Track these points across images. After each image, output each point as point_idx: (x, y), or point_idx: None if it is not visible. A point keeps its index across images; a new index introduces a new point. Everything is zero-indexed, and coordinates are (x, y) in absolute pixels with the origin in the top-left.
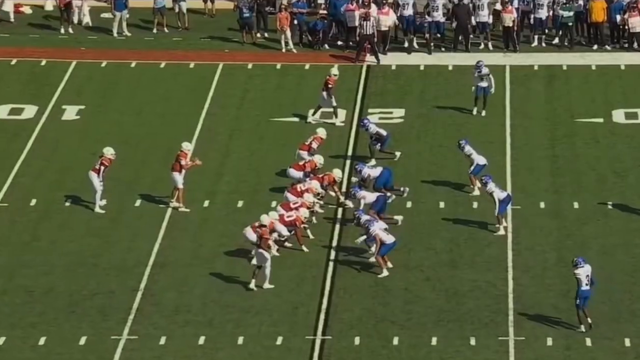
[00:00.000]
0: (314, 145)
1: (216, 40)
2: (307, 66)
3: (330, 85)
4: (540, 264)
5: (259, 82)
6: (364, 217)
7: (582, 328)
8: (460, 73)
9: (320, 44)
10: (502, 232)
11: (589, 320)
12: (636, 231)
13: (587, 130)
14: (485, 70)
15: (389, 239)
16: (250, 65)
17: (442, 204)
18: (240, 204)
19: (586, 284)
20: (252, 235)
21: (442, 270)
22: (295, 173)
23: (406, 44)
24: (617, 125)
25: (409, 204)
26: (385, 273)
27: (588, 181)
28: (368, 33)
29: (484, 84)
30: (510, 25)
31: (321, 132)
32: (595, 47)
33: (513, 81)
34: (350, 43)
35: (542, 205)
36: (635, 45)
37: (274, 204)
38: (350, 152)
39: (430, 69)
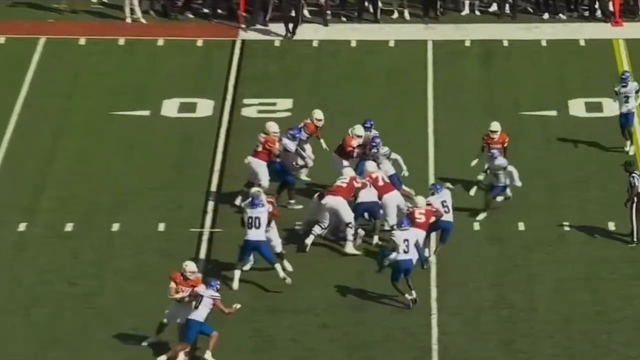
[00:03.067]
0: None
1: (36, 7)
2: (160, 41)
3: None
4: (472, 306)
5: (95, 63)
6: None
7: (409, 297)
8: (367, 51)
9: (177, 11)
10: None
11: (414, 293)
12: (599, 261)
13: (535, 125)
14: (633, 86)
15: (198, 316)
16: (82, 40)
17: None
18: (69, 227)
19: (405, 251)
20: None
21: (344, 315)
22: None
23: (294, 12)
24: (573, 120)
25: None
26: None
27: (538, 197)
28: None
29: (629, 106)
30: None
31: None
32: (545, 16)
33: (437, 61)
34: (219, 11)
35: (476, 227)
36: (599, 13)
37: (115, 226)
38: (220, 155)
39: (327, 45)
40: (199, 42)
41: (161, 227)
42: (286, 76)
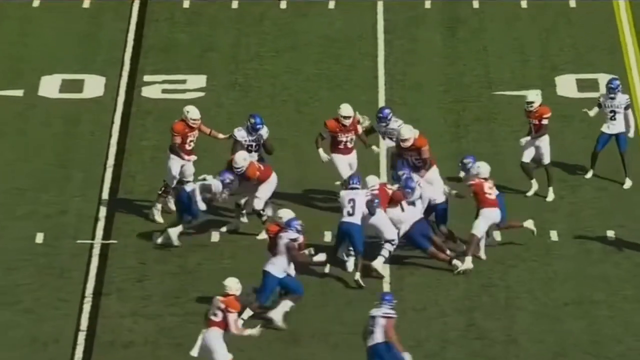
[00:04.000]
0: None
1: None
2: (35, 2)
3: None
4: (435, 336)
5: None
6: None
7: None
8: (300, 15)
9: None
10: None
11: (358, 276)
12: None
13: (513, 108)
14: (623, 99)
15: None
16: None
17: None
18: None
19: (349, 213)
20: None
21: (275, 351)
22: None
23: None
24: (562, 101)
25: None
26: None
27: (518, 199)
28: None
29: (615, 127)
30: None
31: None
32: None
33: (390, 30)
34: None
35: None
36: None
37: None
38: (114, 147)
39: (250, 7)
40: (86, 3)
41: (39, 238)
42: (198, 46)
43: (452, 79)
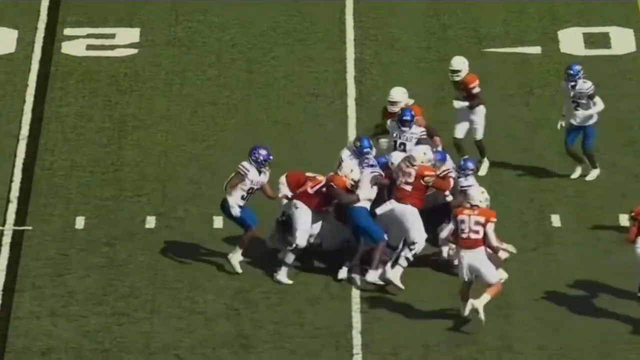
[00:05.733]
0: None
1: None
2: None
3: None
4: (417, 344)
5: None
6: None
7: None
8: None
9: None
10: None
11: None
12: None
13: (508, 67)
14: (585, 87)
15: None
16: None
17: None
18: None
19: None
20: None
21: (222, 357)
22: None
23: None
24: (566, 59)
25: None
26: None
27: (514, 178)
28: None
29: (580, 119)
30: None
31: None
32: None
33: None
34: None
35: None
36: None
37: None
38: (29, 115)
39: None
40: None
41: None
42: None
43: (435, 33)
